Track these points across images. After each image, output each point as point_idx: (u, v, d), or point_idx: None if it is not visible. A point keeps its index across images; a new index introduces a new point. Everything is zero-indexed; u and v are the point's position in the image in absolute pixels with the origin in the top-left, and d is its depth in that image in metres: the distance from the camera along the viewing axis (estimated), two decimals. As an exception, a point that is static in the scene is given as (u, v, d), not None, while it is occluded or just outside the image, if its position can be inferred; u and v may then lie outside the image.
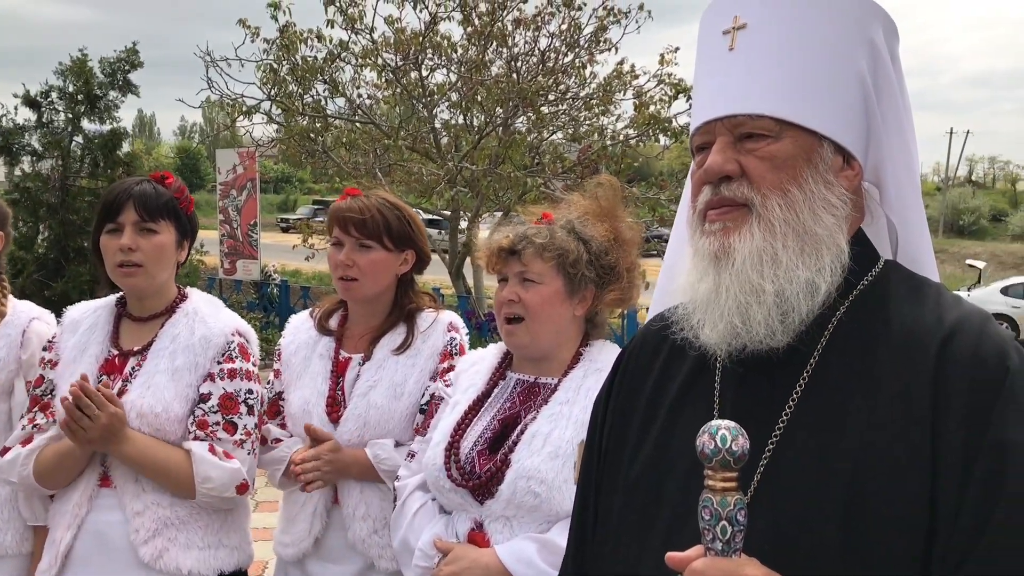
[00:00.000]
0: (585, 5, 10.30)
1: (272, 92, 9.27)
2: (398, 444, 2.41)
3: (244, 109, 9.34)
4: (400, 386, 2.42)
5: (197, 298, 2.47)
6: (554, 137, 10.96)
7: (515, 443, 2.03)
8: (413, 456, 2.26)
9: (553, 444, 1.99)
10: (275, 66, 9.12)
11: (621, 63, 10.66)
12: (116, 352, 2.37)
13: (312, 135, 9.34)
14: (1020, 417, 1.12)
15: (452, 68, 10.64)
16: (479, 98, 9.80)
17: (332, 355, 2.52)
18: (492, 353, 2.29)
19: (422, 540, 2.08)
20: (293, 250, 11.42)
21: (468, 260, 11.13)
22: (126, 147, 9.30)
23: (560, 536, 1.85)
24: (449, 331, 2.50)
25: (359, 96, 10.49)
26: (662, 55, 10.46)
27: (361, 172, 10.42)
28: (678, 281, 1.39)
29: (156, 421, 2.27)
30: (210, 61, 8.98)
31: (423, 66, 10.38)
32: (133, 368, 2.33)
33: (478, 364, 2.28)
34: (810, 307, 1.25)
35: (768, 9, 1.28)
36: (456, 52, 10.62)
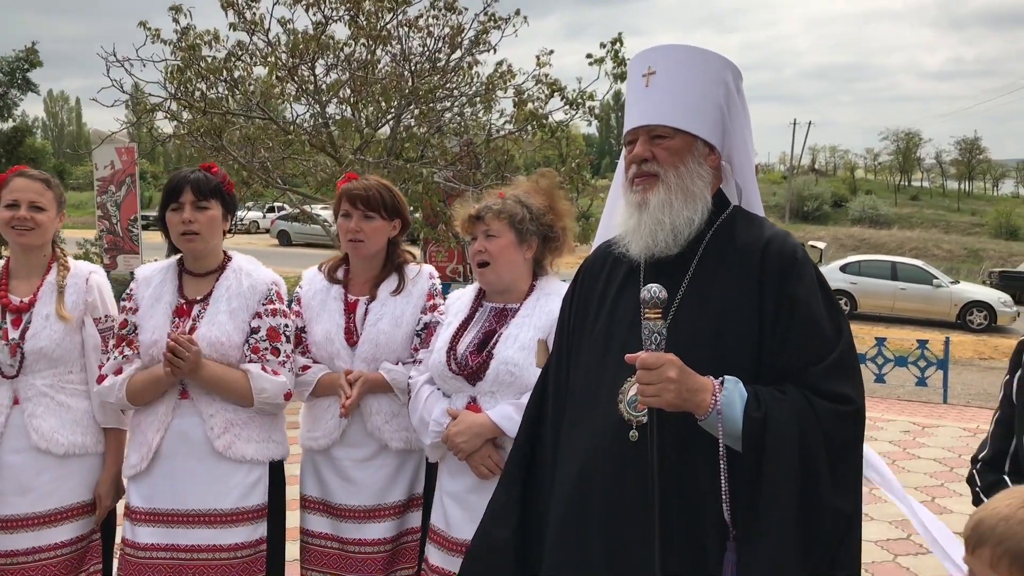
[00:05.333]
0: (467, 10, 11.22)
1: (177, 91, 9.78)
2: (402, 363, 3.26)
3: (148, 107, 9.80)
4: (399, 318, 3.28)
5: (240, 258, 3.26)
6: (442, 132, 11.82)
7: (495, 343, 2.95)
8: (420, 362, 3.16)
9: (521, 341, 2.91)
10: (181, 66, 9.63)
11: (500, 64, 11.63)
12: (183, 300, 3.15)
13: (216, 132, 9.90)
14: (800, 282, 2.14)
15: (341, 66, 11.36)
16: (374, 94, 10.56)
17: (343, 298, 3.35)
18: (470, 290, 3.21)
19: (434, 414, 2.97)
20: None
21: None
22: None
23: None
24: (431, 278, 3.39)
25: (253, 94, 11.07)
26: (538, 56, 11.49)
27: (256, 167, 11.03)
28: (615, 221, 2.36)
29: (221, 348, 3.06)
30: (115, 61, 9.41)
31: (316, 64, 11.06)
32: (199, 312, 3.11)
33: (462, 298, 3.20)
34: (689, 231, 2.23)
35: (668, 63, 2.26)
36: (343, 51, 11.34)
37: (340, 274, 3.43)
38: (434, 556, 2.99)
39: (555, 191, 3.18)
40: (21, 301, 3.15)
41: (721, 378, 2.05)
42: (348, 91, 11.29)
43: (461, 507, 2.93)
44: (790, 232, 2.28)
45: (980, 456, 2.41)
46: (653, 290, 2.01)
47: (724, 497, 2.02)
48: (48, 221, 3.19)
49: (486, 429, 2.86)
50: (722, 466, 2.02)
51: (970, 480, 2.40)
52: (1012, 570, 1.75)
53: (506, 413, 2.85)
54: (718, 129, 2.29)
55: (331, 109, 11.75)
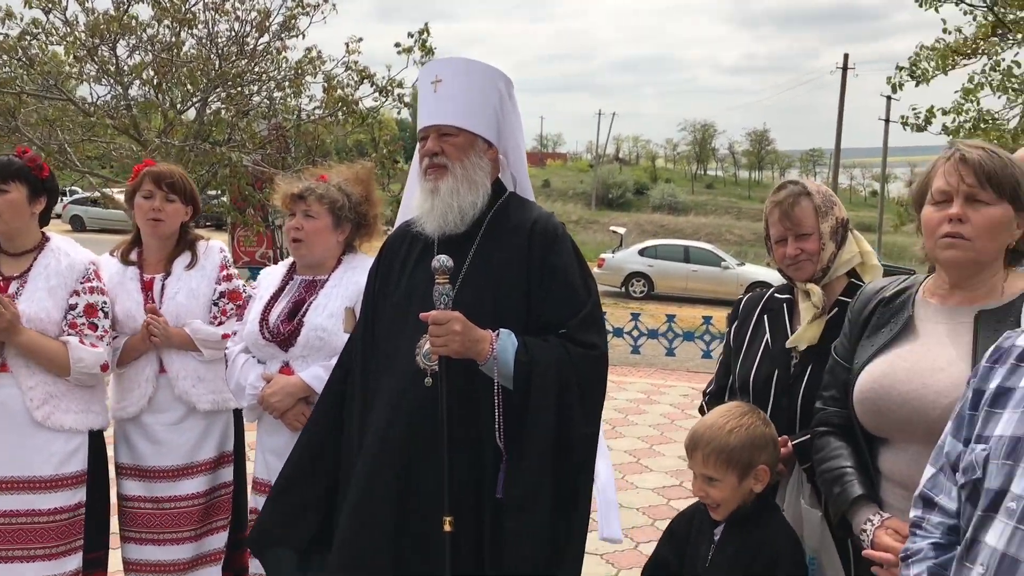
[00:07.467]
0: (275, -7, 11.26)
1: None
2: None
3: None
4: (195, 290, 3.55)
5: (57, 239, 3.42)
6: (250, 116, 11.83)
7: (305, 311, 3.28)
8: (235, 333, 3.44)
9: (329, 309, 3.24)
10: (-31, 43, 9.21)
11: (310, 50, 11.77)
12: (0, 278, 3.29)
13: (9, 113, 9.53)
14: (560, 254, 2.63)
15: (144, 47, 11.15)
16: (180, 76, 10.47)
17: (139, 278, 3.58)
18: (282, 266, 3.52)
19: (250, 379, 3.26)
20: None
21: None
22: None
23: None
24: (221, 251, 3.68)
25: (49, 74, 10.69)
26: (347, 44, 11.71)
27: (54, 150, 10.65)
28: (412, 204, 2.77)
29: (40, 324, 3.22)
30: None
31: (117, 45, 10.80)
32: (18, 288, 3.26)
33: (273, 273, 3.51)
34: (473, 213, 2.68)
35: (452, 73, 2.69)
36: (146, 32, 11.14)
37: (134, 256, 3.66)
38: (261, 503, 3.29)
39: (372, 182, 3.55)
40: None
41: (497, 330, 2.51)
42: (152, 73, 11.10)
43: (280, 459, 3.24)
44: (553, 214, 2.77)
45: (707, 390, 3.00)
46: (441, 259, 2.45)
47: (499, 428, 2.49)
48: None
49: (298, 389, 3.18)
50: (497, 402, 2.49)
51: (700, 410, 2.97)
52: (717, 463, 2.38)
53: (316, 374, 3.18)
54: (494, 128, 2.74)
55: (134, 91, 11.51)
